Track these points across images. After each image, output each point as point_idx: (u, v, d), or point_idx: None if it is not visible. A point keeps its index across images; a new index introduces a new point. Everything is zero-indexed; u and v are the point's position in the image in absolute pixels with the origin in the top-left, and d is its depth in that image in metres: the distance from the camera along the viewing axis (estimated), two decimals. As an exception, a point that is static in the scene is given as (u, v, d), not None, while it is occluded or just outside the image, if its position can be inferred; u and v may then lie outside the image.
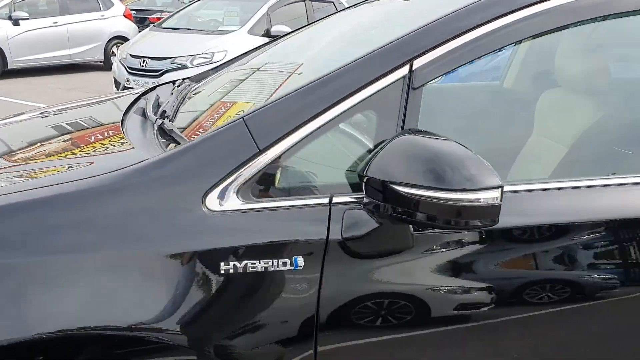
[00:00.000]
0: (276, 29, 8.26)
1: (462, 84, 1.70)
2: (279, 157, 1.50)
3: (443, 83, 1.60)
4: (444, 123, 1.68)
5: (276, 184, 1.52)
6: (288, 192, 1.52)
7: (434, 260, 1.52)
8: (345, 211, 1.48)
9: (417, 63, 1.56)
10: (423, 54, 1.56)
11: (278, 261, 1.45)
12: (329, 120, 1.52)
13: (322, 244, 1.47)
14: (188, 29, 8.66)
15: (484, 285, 1.55)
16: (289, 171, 1.52)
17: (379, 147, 1.46)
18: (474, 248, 1.54)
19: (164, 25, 9.12)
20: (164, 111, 1.95)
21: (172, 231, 1.44)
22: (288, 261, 1.46)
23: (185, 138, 1.65)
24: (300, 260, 1.46)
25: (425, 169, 1.34)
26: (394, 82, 1.54)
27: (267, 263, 1.45)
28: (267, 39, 8.17)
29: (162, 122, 1.82)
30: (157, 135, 1.80)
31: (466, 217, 1.32)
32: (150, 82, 7.80)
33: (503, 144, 1.80)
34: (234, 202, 1.48)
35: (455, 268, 1.53)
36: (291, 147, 1.50)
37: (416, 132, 1.44)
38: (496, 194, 1.30)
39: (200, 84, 2.51)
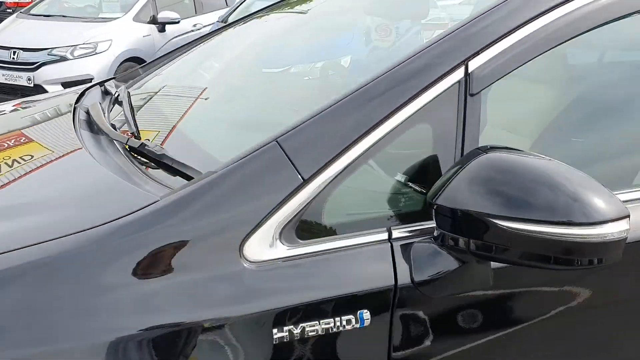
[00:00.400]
0: (164, 15, 7.69)
1: (526, 85, 1.45)
2: (325, 186, 1.20)
3: (504, 86, 1.35)
4: (510, 134, 1.44)
5: (324, 220, 1.22)
6: (338, 230, 1.23)
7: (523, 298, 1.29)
8: (411, 248, 1.21)
9: (474, 64, 1.30)
10: (479, 52, 1.30)
11: (341, 319, 1.16)
12: (379, 140, 1.23)
13: (390, 291, 1.19)
14: (63, 16, 7.85)
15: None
16: (336, 203, 1.23)
17: (453, 169, 1.19)
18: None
19: (32, 11, 8.21)
20: (135, 128, 1.57)
21: (204, 296, 1.11)
22: (352, 318, 1.17)
23: (197, 169, 1.29)
24: (366, 314, 1.18)
25: (531, 198, 1.09)
26: (448, 89, 1.28)
27: (328, 323, 1.16)
28: (154, 26, 7.64)
29: (143, 144, 1.44)
30: (133, 161, 1.43)
31: (588, 255, 1.09)
32: (24, 77, 7.01)
33: (592, 152, 1.57)
34: (278, 249, 1.17)
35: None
36: (339, 173, 1.21)
37: (498, 149, 1.19)
38: (624, 225, 1.08)
39: (139, 85, 2.12)
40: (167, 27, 7.77)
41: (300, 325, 1.14)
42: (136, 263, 1.10)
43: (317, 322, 1.15)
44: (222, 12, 8.05)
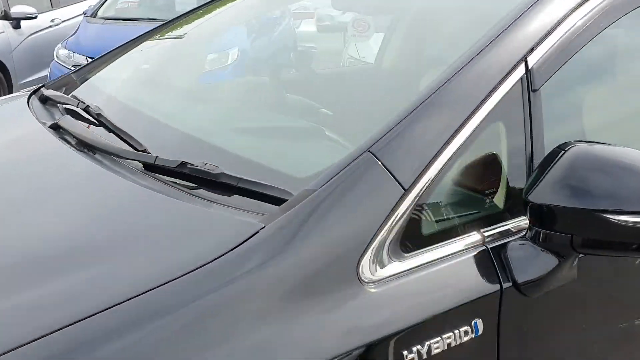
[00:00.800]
0: (17, 10, 7.01)
1: (583, 75, 1.46)
2: (422, 195, 1.15)
3: (562, 79, 1.36)
4: (573, 128, 1.45)
5: (422, 230, 1.17)
6: (436, 238, 1.18)
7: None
8: (506, 249, 1.20)
9: (532, 59, 1.30)
10: (536, 45, 1.30)
11: (459, 331, 1.12)
12: (464, 142, 1.20)
13: (496, 296, 1.17)
14: None
15: None
16: (430, 210, 1.18)
17: (544, 166, 1.18)
18: None
19: None
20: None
21: (332, 327, 1.02)
22: (469, 328, 1.13)
23: (290, 192, 1.17)
24: (479, 323, 1.15)
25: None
26: (513, 86, 1.27)
27: (449, 337, 1.11)
28: (8, 22, 6.97)
29: (184, 163, 1.29)
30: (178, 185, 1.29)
31: None
32: None
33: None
34: (389, 266, 1.11)
35: None
36: (432, 180, 1.16)
37: (584, 143, 1.20)
38: None
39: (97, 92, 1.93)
40: (23, 23, 7.10)
41: (426, 343, 1.08)
42: (257, 300, 0.98)
43: (439, 337, 1.10)
44: (83, 5, 7.50)
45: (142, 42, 2.21)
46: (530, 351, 1.23)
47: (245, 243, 1.03)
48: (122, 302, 0.94)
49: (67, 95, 1.92)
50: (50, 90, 1.99)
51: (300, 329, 1.01)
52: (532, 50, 1.29)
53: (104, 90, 2.01)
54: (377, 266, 1.08)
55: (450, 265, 1.15)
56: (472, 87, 1.24)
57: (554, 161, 1.16)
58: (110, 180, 1.34)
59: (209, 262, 1.00)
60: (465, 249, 1.18)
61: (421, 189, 1.14)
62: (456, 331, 1.12)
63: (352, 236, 1.07)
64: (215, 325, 0.96)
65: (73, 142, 1.52)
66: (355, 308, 1.05)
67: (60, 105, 1.83)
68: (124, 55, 2.18)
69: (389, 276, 1.09)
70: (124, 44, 2.23)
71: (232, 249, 1.02)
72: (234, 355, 0.95)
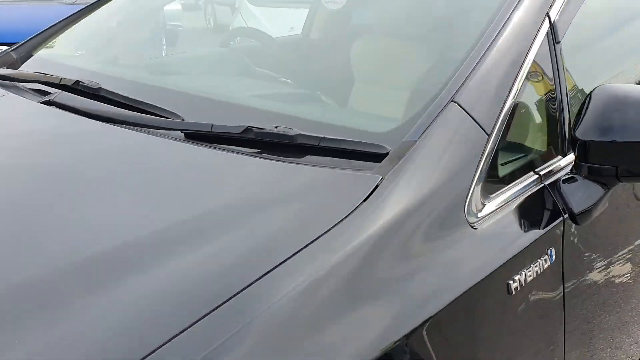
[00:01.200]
0: None
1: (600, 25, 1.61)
2: (499, 139, 1.24)
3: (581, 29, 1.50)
4: (591, 78, 1.59)
5: (499, 171, 1.27)
6: (508, 179, 1.28)
7: None
8: (559, 185, 1.33)
9: (553, 13, 1.43)
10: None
11: (542, 260, 1.25)
12: (518, 90, 1.31)
13: (560, 226, 1.30)
14: None
15: None
16: (502, 153, 1.28)
17: (586, 107, 1.32)
18: None
19: None
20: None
21: (453, 270, 1.10)
22: (547, 256, 1.26)
23: (383, 145, 1.19)
24: (553, 251, 1.28)
25: None
26: (542, 41, 1.40)
27: (536, 265, 1.23)
28: None
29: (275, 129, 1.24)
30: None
31: None
32: None
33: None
34: (485, 206, 1.19)
35: None
36: (505, 124, 1.26)
37: (615, 85, 1.35)
38: None
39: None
40: None
41: (522, 272, 1.19)
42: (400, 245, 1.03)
43: (530, 265, 1.21)
44: None
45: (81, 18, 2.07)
46: (585, 267, 1.39)
47: (372, 195, 1.06)
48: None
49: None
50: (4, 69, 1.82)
51: (426, 269, 1.06)
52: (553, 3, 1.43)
53: (71, 63, 1.88)
54: (476, 208, 1.17)
55: (523, 202, 1.27)
56: (513, 40, 1.34)
57: (593, 102, 1.30)
58: (177, 153, 1.28)
59: (347, 216, 1.02)
60: (530, 185, 1.30)
61: (497, 134, 1.24)
62: (540, 260, 1.24)
63: (456, 182, 1.14)
64: (366, 267, 0.99)
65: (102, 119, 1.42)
66: (465, 249, 1.12)
67: (24, 83, 1.68)
68: (74, 26, 2.04)
69: (485, 215, 1.18)
70: (65, 19, 2.08)
71: (363, 201, 1.04)
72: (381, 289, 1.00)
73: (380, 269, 1.00)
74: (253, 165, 1.22)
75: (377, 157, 1.16)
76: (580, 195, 1.33)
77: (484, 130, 1.21)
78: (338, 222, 1.01)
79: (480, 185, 1.19)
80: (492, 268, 1.14)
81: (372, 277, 0.99)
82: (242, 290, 0.90)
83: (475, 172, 1.17)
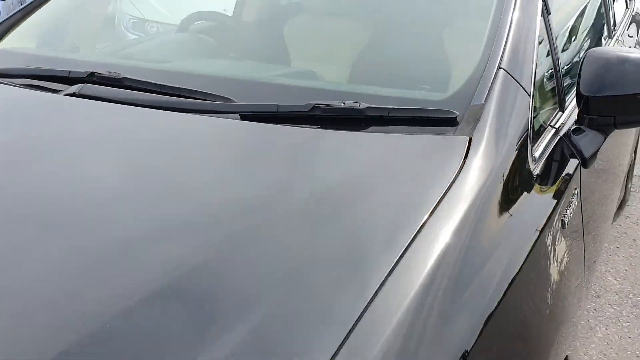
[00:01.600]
0: None
1: None
2: (534, 100, 1.45)
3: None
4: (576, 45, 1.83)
5: (535, 127, 1.47)
6: (540, 132, 1.49)
7: None
8: (570, 135, 1.57)
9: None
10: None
11: (574, 198, 1.48)
12: (537, 55, 1.53)
13: (578, 169, 1.54)
14: None
15: None
16: (536, 111, 1.48)
17: (582, 67, 1.55)
18: None
19: None
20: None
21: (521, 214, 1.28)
22: (577, 195, 1.50)
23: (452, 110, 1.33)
24: (577, 191, 1.52)
25: None
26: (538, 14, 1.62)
27: (573, 203, 1.46)
28: None
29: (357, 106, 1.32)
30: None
31: None
32: None
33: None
34: (538, 158, 1.39)
35: None
36: (538, 86, 1.47)
37: (604, 48, 1.61)
38: None
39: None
40: None
41: (567, 210, 1.42)
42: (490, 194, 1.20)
43: (570, 202, 1.45)
44: None
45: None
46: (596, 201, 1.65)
47: (468, 156, 1.20)
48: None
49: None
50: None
51: (511, 213, 1.24)
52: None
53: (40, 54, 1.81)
54: (533, 160, 1.36)
55: (550, 154, 1.48)
56: (524, 11, 1.55)
57: (587, 64, 1.54)
58: (261, 135, 1.32)
59: (455, 180, 1.15)
60: (551, 140, 1.52)
61: (533, 95, 1.44)
62: (573, 198, 1.47)
63: (521, 139, 1.33)
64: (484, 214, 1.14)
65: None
66: (532, 198, 1.32)
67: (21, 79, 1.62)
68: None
69: (536, 167, 1.38)
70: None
71: (462, 165, 1.18)
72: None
73: (492, 218, 1.16)
74: (336, 139, 1.31)
75: (446, 122, 1.31)
76: (587, 142, 1.58)
77: (527, 92, 1.40)
78: (453, 181, 1.14)
79: (530, 140, 1.38)
80: (551, 208, 1.35)
81: (490, 223, 1.15)
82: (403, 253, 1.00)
83: (527, 129, 1.37)
